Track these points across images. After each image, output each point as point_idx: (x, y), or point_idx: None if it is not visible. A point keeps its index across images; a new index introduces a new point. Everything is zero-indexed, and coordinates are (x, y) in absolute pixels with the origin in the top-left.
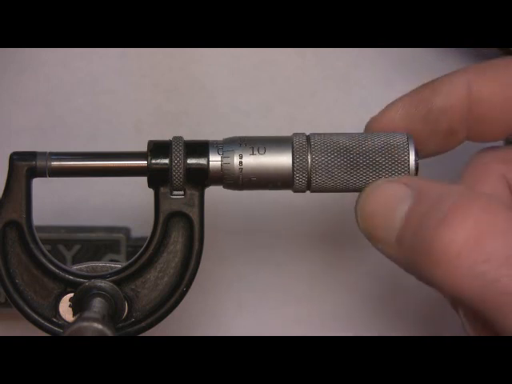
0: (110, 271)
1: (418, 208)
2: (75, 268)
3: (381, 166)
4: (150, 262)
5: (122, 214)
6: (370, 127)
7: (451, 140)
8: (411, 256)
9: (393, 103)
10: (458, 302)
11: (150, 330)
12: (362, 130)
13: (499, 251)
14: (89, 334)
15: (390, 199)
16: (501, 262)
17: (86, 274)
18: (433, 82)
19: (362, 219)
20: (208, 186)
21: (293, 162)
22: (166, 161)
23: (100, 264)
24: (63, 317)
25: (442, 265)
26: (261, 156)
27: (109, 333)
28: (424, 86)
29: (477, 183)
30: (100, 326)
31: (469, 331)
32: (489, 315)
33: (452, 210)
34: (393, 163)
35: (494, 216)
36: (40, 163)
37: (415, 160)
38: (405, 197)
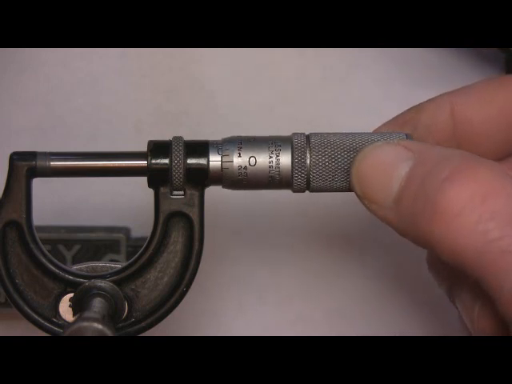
0: (110, 271)
1: (420, 168)
2: (75, 268)
3: None
4: (150, 262)
5: (122, 214)
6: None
7: None
8: (411, 216)
9: (379, 128)
10: (455, 266)
11: (150, 330)
12: (361, 130)
13: (505, 210)
14: (89, 333)
15: (390, 160)
16: (506, 221)
17: (86, 274)
18: (417, 105)
19: (358, 179)
20: (208, 185)
21: (292, 162)
22: (166, 161)
23: (100, 264)
24: (63, 317)
25: (444, 222)
26: (260, 156)
27: (109, 333)
28: (409, 109)
29: None
30: (100, 326)
31: (466, 320)
32: (486, 278)
33: (458, 168)
34: None
35: (500, 177)
36: (40, 163)
37: None
38: (405, 158)
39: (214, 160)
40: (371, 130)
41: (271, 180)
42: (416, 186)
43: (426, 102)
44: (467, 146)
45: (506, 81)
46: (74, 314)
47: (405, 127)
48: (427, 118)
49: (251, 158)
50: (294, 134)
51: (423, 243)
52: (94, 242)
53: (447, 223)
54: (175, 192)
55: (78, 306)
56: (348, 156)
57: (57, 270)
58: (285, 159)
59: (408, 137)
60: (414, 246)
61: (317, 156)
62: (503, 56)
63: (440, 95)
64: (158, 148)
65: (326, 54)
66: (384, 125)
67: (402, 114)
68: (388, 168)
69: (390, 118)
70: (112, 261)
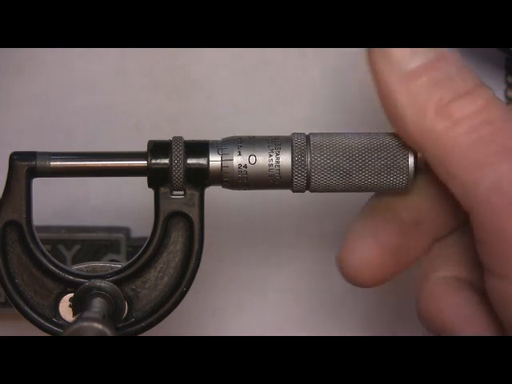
0: (110, 271)
1: (443, 65)
2: (75, 268)
3: (380, 166)
4: (150, 262)
5: (122, 214)
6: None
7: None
8: (416, 99)
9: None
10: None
11: (150, 330)
12: (361, 130)
13: (502, 121)
14: (89, 333)
15: (407, 51)
16: (501, 129)
17: (86, 273)
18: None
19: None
20: (208, 185)
21: (292, 162)
22: (166, 161)
23: (100, 264)
24: (63, 317)
25: (448, 120)
26: (260, 154)
27: (109, 333)
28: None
29: None
30: (100, 326)
31: None
32: (466, 174)
33: (473, 90)
34: (392, 163)
35: (504, 103)
36: (40, 163)
37: (414, 160)
38: (432, 51)
39: (214, 160)
40: (371, 130)
41: (271, 179)
42: (438, 78)
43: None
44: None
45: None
46: (74, 314)
47: None
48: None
49: (251, 157)
50: (294, 133)
51: (415, 129)
52: (94, 242)
53: (452, 121)
54: (175, 192)
55: (77, 306)
56: (348, 156)
57: (57, 270)
58: (285, 159)
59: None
60: None
61: (317, 156)
62: (503, 56)
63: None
64: (158, 148)
65: (326, 54)
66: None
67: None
68: (418, 49)
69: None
70: (112, 261)
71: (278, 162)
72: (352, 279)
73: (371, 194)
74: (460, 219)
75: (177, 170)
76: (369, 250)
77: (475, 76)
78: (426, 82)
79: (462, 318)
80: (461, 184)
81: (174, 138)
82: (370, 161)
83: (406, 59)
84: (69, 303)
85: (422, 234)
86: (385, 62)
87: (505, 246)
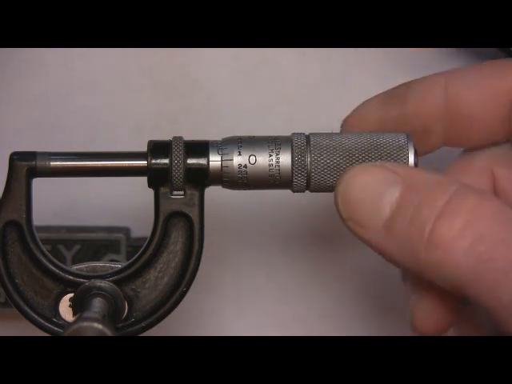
0: (110, 271)
1: (411, 195)
2: (75, 268)
3: None
4: (150, 262)
5: (122, 214)
6: (344, 126)
7: (427, 142)
8: (405, 242)
9: (368, 102)
10: (449, 288)
11: (150, 330)
12: (361, 130)
13: (494, 232)
14: (89, 333)
15: (378, 184)
16: (496, 242)
17: (85, 273)
18: (409, 81)
19: (344, 201)
20: (208, 185)
21: (292, 162)
22: (166, 161)
23: (100, 264)
24: (63, 317)
25: (441, 248)
26: (260, 154)
27: (109, 333)
28: (400, 85)
29: (460, 174)
30: (100, 326)
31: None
32: (484, 296)
33: (452, 199)
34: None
35: (487, 201)
36: (40, 163)
37: (414, 160)
38: (393, 182)
39: (214, 160)
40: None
41: (271, 179)
42: (410, 213)
43: (420, 79)
44: (458, 127)
45: (502, 64)
46: (74, 314)
47: (392, 107)
48: (416, 98)
49: (251, 157)
50: (294, 133)
51: (416, 268)
52: (94, 242)
53: (444, 249)
54: (175, 192)
55: (78, 306)
56: (348, 156)
57: (57, 270)
58: (285, 159)
59: (408, 137)
60: None
61: (317, 156)
62: (503, 56)
63: (434, 74)
64: (158, 148)
65: (326, 54)
66: (374, 98)
67: (392, 90)
68: (377, 191)
69: (364, 118)
70: (112, 261)
71: (277, 162)
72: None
73: None
74: None
75: (177, 170)
76: (435, 315)
77: (448, 182)
78: (401, 225)
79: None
80: (476, 302)
81: (174, 138)
82: (370, 161)
83: (374, 215)
84: (69, 303)
85: None
86: (359, 228)
87: None
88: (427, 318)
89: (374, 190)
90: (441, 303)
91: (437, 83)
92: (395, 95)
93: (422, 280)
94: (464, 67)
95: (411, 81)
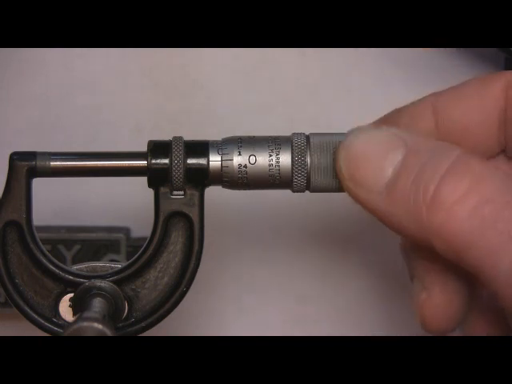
0: (110, 271)
1: (415, 158)
2: (75, 268)
3: None
4: (150, 262)
5: (122, 214)
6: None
7: None
8: (406, 203)
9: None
10: (448, 254)
11: (150, 330)
12: None
13: (499, 195)
14: (89, 333)
15: (382, 146)
16: (500, 206)
17: (86, 273)
18: (400, 107)
19: (347, 161)
20: (208, 185)
21: (292, 162)
22: (166, 161)
23: (100, 264)
24: (63, 317)
25: (443, 209)
26: (260, 154)
27: (109, 333)
28: (391, 111)
29: (413, 119)
30: (100, 326)
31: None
32: (483, 262)
33: (456, 162)
34: None
35: (491, 168)
36: (40, 163)
37: None
38: (397, 145)
39: (214, 160)
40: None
41: (271, 179)
42: (413, 174)
43: (410, 104)
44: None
45: (489, 80)
46: (74, 314)
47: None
48: (408, 119)
49: (251, 157)
50: (294, 133)
51: (417, 232)
52: (94, 242)
53: (447, 210)
54: (175, 192)
55: (77, 306)
56: None
57: (57, 270)
58: (285, 159)
59: None
60: None
61: (317, 156)
62: (503, 56)
63: (423, 98)
64: (158, 148)
65: (326, 54)
66: (370, 124)
67: (384, 115)
68: (381, 153)
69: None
70: (112, 261)
71: (278, 162)
72: (437, 332)
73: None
74: None
75: (177, 170)
76: (444, 306)
77: (451, 148)
78: (404, 185)
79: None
80: (477, 271)
81: (174, 138)
82: None
83: (376, 175)
84: (69, 303)
85: None
86: (359, 189)
87: None
88: (437, 315)
89: (377, 152)
90: (450, 298)
91: (426, 106)
92: (387, 120)
93: (428, 269)
94: (452, 87)
95: (403, 106)
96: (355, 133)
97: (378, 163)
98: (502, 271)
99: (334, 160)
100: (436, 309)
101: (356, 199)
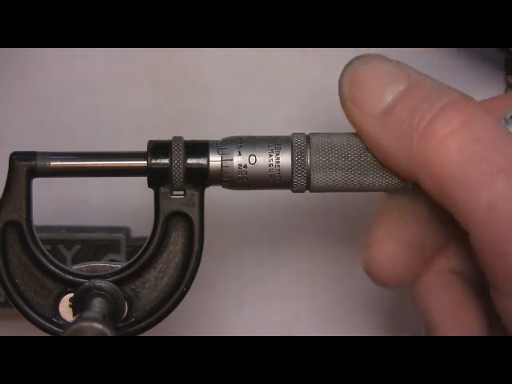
0: (110, 271)
1: (417, 90)
2: (75, 268)
3: (380, 166)
4: (150, 262)
5: (122, 214)
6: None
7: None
8: (399, 129)
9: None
10: (431, 185)
11: (150, 330)
12: None
13: (490, 137)
14: (89, 333)
15: (389, 73)
16: (490, 146)
17: (86, 273)
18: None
19: (351, 81)
20: (208, 185)
21: (292, 162)
22: (166, 161)
23: (100, 264)
24: (63, 317)
25: (435, 139)
26: (260, 154)
27: (109, 333)
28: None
29: None
30: (100, 326)
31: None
32: (464, 196)
33: (455, 100)
34: None
35: (486, 112)
36: (40, 163)
37: None
38: (401, 77)
39: (214, 160)
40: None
41: (271, 179)
42: (412, 103)
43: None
44: None
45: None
46: (73, 314)
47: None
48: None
49: (251, 157)
50: (294, 133)
51: (403, 161)
52: (94, 242)
53: (437, 141)
54: (175, 192)
55: (77, 306)
56: (348, 156)
57: (57, 270)
58: (285, 159)
59: None
60: None
61: (317, 156)
62: (503, 56)
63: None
64: (158, 148)
65: (326, 54)
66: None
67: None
68: (385, 80)
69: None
70: (112, 261)
71: (277, 162)
72: (379, 280)
73: (368, 193)
74: None
75: (177, 170)
76: (393, 251)
77: (453, 90)
78: (400, 112)
79: (447, 315)
80: (456, 205)
81: (174, 138)
82: (370, 161)
83: (376, 99)
84: (69, 303)
85: (443, 225)
86: (357, 110)
87: (507, 268)
88: (385, 254)
89: (382, 78)
90: (408, 237)
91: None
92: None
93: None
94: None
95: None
96: (366, 57)
97: (380, 88)
98: (478, 209)
99: (340, 78)
100: (387, 243)
101: (352, 120)
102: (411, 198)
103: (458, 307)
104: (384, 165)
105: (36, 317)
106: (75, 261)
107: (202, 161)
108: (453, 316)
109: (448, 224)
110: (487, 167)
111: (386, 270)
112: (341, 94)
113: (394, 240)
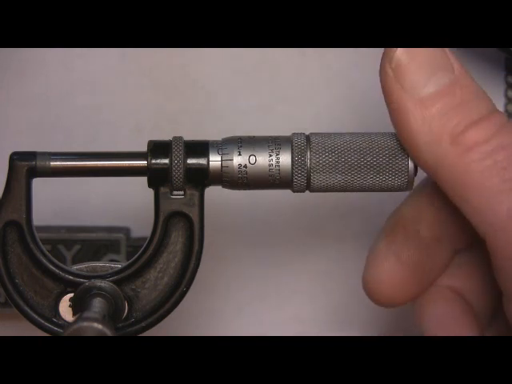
0: (110, 271)
1: (460, 92)
2: (75, 268)
3: (380, 166)
4: (150, 262)
5: (122, 214)
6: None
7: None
8: (432, 123)
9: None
10: (449, 183)
11: (150, 330)
12: (361, 130)
13: None
14: (89, 333)
15: (436, 61)
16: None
17: (86, 273)
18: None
19: (401, 54)
20: (208, 185)
21: (292, 162)
22: (166, 161)
23: (100, 264)
24: (63, 317)
25: (464, 146)
26: (260, 154)
27: (109, 333)
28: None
29: None
30: (100, 326)
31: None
32: (481, 201)
33: (488, 115)
34: (392, 163)
35: None
36: (40, 163)
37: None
38: (447, 68)
39: (214, 160)
40: (371, 130)
41: (271, 179)
42: (453, 103)
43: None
44: None
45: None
46: (73, 314)
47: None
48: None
49: (251, 157)
50: (294, 133)
51: (427, 154)
52: (94, 242)
53: (467, 147)
54: (175, 192)
55: (78, 306)
56: (348, 156)
57: (57, 270)
58: (285, 159)
59: None
60: None
61: (317, 156)
62: (503, 56)
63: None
64: (158, 148)
65: (326, 54)
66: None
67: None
68: (430, 69)
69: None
70: (112, 261)
71: (277, 162)
72: (377, 300)
73: (369, 192)
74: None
75: (177, 170)
76: (392, 270)
77: (489, 99)
78: (441, 109)
79: (440, 328)
80: (476, 210)
81: (174, 138)
82: (370, 161)
83: (421, 84)
84: (69, 303)
85: (443, 249)
86: (399, 87)
87: None
88: (384, 274)
89: (429, 67)
90: (409, 258)
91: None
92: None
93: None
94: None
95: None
96: (414, 50)
97: (426, 75)
98: (497, 214)
99: (385, 54)
100: (390, 262)
101: (389, 98)
102: (417, 217)
103: (452, 321)
104: (402, 145)
105: (36, 317)
106: (75, 261)
107: (202, 161)
108: (447, 330)
109: (450, 246)
110: (509, 176)
111: (384, 290)
112: (382, 70)
113: (395, 258)
